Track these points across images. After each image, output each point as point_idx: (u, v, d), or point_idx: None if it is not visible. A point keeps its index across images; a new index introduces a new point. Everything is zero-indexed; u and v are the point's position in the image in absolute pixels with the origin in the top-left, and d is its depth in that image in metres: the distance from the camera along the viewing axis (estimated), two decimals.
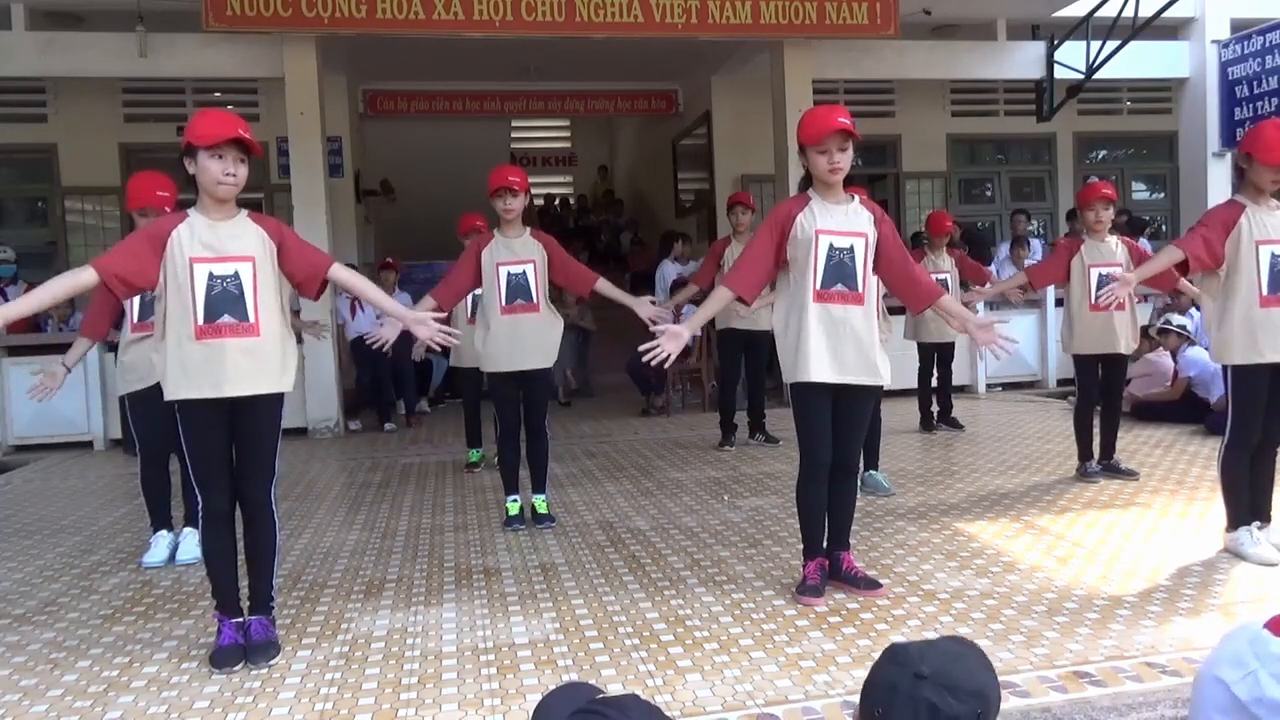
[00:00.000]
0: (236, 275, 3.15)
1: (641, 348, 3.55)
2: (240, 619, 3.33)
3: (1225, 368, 4.08)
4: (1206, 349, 7.16)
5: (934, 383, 7.62)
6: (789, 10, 8.55)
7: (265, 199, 10.35)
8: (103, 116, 10.02)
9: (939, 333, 7.19)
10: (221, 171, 3.11)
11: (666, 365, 3.56)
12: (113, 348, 4.95)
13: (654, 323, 4.28)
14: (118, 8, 8.43)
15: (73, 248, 10.05)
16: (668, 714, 1.64)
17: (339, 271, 3.43)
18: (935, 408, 7.65)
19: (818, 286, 3.56)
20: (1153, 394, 7.62)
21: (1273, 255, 3.90)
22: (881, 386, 3.78)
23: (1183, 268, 4.09)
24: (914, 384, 7.61)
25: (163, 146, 9.70)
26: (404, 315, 3.63)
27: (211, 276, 3.12)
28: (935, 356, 7.50)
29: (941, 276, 7.06)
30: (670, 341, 3.49)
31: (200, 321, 3.11)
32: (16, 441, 8.21)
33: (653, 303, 4.69)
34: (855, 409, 3.70)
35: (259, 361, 3.18)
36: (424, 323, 3.53)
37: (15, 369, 8.20)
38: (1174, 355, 7.58)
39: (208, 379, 3.13)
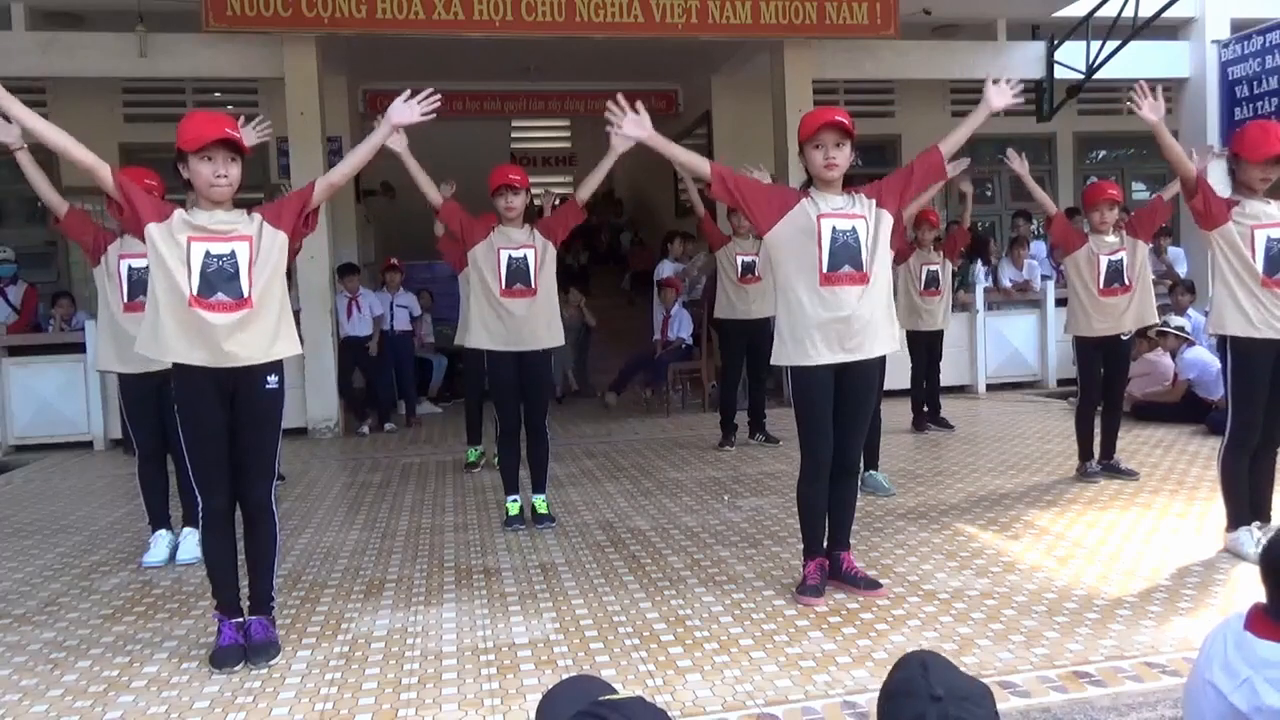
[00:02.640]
0: (233, 254, 3.18)
1: (608, 106, 3.65)
2: (240, 619, 3.33)
3: (1224, 358, 4.10)
4: (1207, 349, 7.19)
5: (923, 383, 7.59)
6: (789, 10, 8.54)
7: (265, 199, 10.33)
8: (103, 116, 10.00)
9: (928, 321, 7.16)
10: (213, 174, 3.14)
11: (613, 135, 3.72)
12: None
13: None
14: (118, 8, 8.42)
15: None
16: (669, 714, 1.64)
17: (325, 181, 3.43)
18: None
19: (824, 270, 3.56)
20: (1151, 393, 7.61)
21: (1269, 239, 3.97)
22: (883, 361, 3.79)
23: (1188, 193, 4.11)
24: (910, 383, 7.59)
25: (163, 146, 9.52)
26: (384, 123, 3.48)
27: (208, 255, 3.16)
28: (926, 348, 7.43)
29: (933, 269, 7.06)
30: (633, 125, 3.59)
31: (195, 293, 3.13)
32: (16, 441, 8.19)
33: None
34: (859, 394, 3.69)
35: (253, 333, 3.21)
36: (399, 110, 3.46)
37: (15, 369, 8.20)
38: (1173, 356, 7.57)
39: (203, 348, 3.16)
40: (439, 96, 3.55)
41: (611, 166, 4.87)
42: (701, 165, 3.76)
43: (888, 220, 3.66)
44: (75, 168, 3.16)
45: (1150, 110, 4.11)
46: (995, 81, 3.75)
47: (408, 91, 3.54)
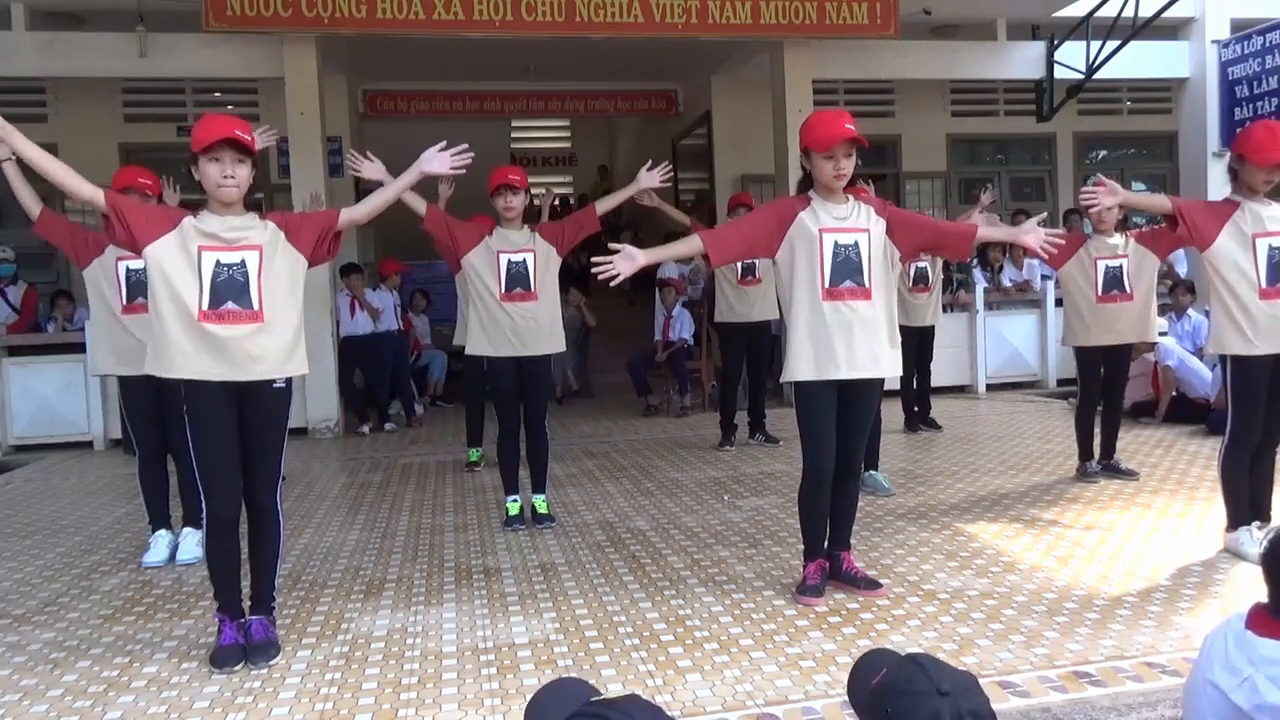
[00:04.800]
0: (243, 264, 3.18)
1: (595, 260, 3.52)
2: (241, 619, 3.33)
3: (1224, 360, 4.09)
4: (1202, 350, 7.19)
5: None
6: (789, 10, 8.54)
7: (265, 199, 10.33)
8: (103, 116, 10.01)
9: (917, 316, 7.15)
10: (220, 174, 3.14)
11: (612, 284, 3.55)
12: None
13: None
14: (118, 8, 8.42)
15: None
16: (668, 714, 1.63)
17: (348, 215, 3.48)
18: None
19: (826, 285, 3.56)
20: (1146, 401, 7.60)
21: (1270, 248, 3.93)
22: (883, 380, 3.79)
23: (1171, 223, 4.13)
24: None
25: (163, 147, 9.68)
26: (414, 168, 3.57)
27: (218, 264, 3.16)
28: (917, 347, 7.40)
29: (921, 265, 7.06)
30: (624, 261, 3.48)
31: (205, 307, 3.13)
32: (16, 441, 8.19)
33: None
34: (861, 404, 3.70)
35: (263, 348, 3.20)
36: (430, 159, 3.55)
37: (15, 369, 8.20)
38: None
39: (212, 363, 3.15)
40: (472, 154, 3.60)
41: (611, 163, 4.91)
42: (695, 245, 3.76)
43: (892, 246, 3.68)
44: (75, 167, 3.16)
45: (1108, 195, 4.19)
46: (1041, 223, 3.76)
47: (443, 142, 3.60)
